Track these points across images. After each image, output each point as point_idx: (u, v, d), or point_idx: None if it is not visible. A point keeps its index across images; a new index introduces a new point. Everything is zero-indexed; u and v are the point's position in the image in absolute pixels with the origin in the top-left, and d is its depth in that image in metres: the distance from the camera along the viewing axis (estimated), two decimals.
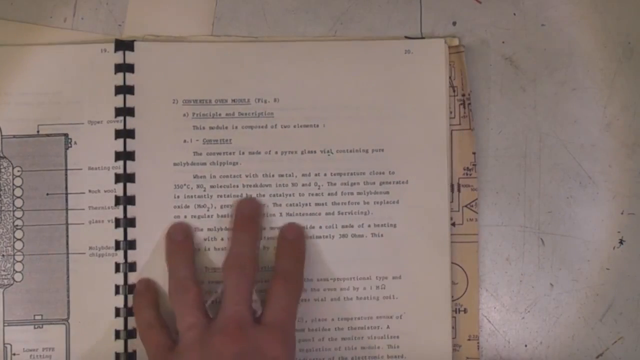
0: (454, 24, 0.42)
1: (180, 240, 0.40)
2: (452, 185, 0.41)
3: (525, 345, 0.42)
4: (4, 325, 0.40)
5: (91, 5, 0.42)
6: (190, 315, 0.37)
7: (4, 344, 0.40)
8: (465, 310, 0.41)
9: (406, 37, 0.42)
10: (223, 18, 0.42)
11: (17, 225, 0.41)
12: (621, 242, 0.42)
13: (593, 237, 0.42)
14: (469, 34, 0.42)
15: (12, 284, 0.41)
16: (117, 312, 0.40)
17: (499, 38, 0.43)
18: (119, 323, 0.40)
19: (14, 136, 0.41)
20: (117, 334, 0.40)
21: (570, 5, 0.43)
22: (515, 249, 0.42)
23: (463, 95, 0.42)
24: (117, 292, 0.40)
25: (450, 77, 0.42)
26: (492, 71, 0.42)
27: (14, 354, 0.40)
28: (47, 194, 0.41)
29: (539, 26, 0.43)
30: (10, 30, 0.42)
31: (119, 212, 0.41)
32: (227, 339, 0.36)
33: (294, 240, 0.40)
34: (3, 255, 0.41)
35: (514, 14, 0.43)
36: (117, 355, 0.40)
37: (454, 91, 0.42)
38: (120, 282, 0.40)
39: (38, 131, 0.41)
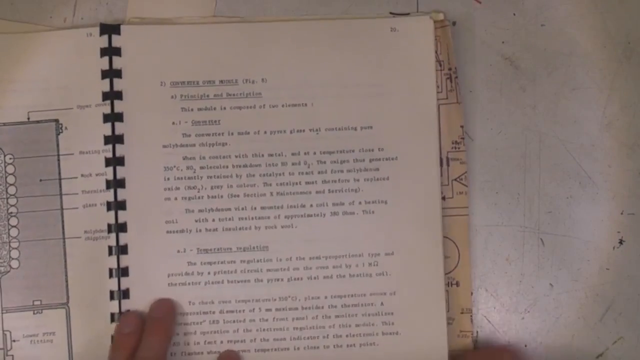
0: (454, 23, 0.42)
1: (160, 318, 0.40)
2: (441, 159, 0.41)
3: (525, 345, 0.42)
4: (2, 313, 0.41)
5: (91, 5, 0.42)
6: None
7: (2, 331, 0.41)
8: (457, 284, 0.41)
9: (391, 13, 0.42)
10: (223, 18, 0.42)
11: (11, 213, 0.41)
12: (621, 242, 0.42)
13: (593, 237, 0.42)
14: (469, 34, 0.42)
15: (9, 271, 0.41)
16: (112, 295, 0.40)
17: (499, 38, 0.42)
18: (114, 306, 0.40)
19: (5, 124, 0.41)
20: (112, 317, 0.40)
21: (570, 5, 0.42)
22: (515, 249, 0.42)
23: (449, 69, 0.41)
24: (110, 275, 0.41)
25: (436, 52, 0.41)
26: (492, 71, 0.42)
27: (14, 341, 0.41)
28: (41, 180, 0.41)
29: (539, 26, 0.42)
30: (10, 30, 0.42)
31: (110, 196, 0.41)
32: None
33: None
34: None
35: (514, 14, 0.42)
36: (113, 338, 0.40)
37: (440, 65, 0.41)
38: (114, 265, 0.41)
39: (28, 118, 0.41)
